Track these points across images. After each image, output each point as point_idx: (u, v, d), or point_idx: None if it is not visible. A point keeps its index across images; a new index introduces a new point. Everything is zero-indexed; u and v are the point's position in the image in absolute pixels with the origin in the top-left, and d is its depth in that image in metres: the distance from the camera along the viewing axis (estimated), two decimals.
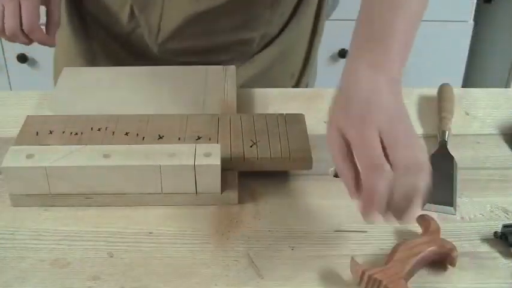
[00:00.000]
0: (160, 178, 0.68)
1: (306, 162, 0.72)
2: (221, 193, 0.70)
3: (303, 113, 0.79)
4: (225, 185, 0.70)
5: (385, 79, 0.58)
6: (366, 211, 0.56)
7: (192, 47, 0.95)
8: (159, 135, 0.75)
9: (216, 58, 0.96)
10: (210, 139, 0.74)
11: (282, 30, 0.98)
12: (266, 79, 0.99)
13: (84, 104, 0.84)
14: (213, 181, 0.69)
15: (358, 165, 0.57)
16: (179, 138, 0.74)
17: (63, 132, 0.75)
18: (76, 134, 0.75)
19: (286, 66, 1.01)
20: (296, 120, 0.77)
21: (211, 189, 0.70)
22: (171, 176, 0.68)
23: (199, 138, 0.74)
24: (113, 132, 0.75)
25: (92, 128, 0.76)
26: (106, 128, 0.76)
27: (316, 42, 1.03)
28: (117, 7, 0.94)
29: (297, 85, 1.04)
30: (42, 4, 0.86)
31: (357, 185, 0.57)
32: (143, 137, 0.74)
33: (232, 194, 0.70)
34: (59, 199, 0.69)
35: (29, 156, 0.68)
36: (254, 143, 0.73)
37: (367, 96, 0.57)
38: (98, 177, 0.68)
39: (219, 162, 0.68)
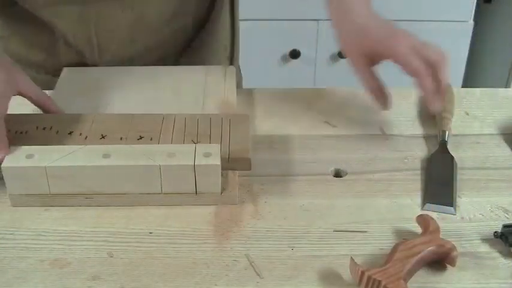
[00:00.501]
0: (160, 178, 0.68)
1: (244, 163, 0.72)
2: (221, 193, 0.70)
3: (248, 114, 0.79)
4: (225, 185, 0.71)
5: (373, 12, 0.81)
6: (433, 99, 0.76)
7: (134, 51, 0.96)
8: (102, 135, 0.75)
9: (158, 54, 0.98)
10: (151, 139, 0.74)
11: (210, 10, 1.01)
12: (204, 54, 1.01)
13: (83, 104, 0.84)
14: (213, 181, 0.69)
15: (412, 68, 0.75)
16: (121, 138, 0.74)
17: (9, 131, 0.74)
18: (21, 132, 0.75)
19: (219, 40, 1.03)
20: (240, 121, 0.77)
21: (211, 189, 0.70)
22: (171, 176, 0.68)
23: (141, 138, 0.74)
24: (57, 132, 0.75)
25: (37, 127, 0.76)
26: (51, 127, 0.76)
27: (236, 9, 1.05)
28: (47, 43, 0.93)
29: (231, 56, 1.07)
30: (13, 94, 0.74)
31: (381, 92, 0.80)
32: (86, 137, 0.74)
33: (232, 194, 0.70)
34: (58, 199, 0.69)
35: (29, 156, 0.68)
36: (194, 144, 0.73)
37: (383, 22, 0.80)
38: (97, 177, 0.68)
39: (219, 162, 0.68)
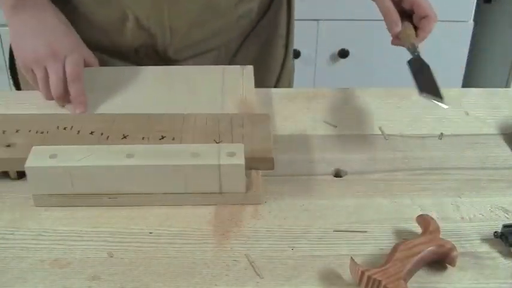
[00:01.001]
0: (184, 178, 0.68)
1: (267, 162, 0.72)
2: (246, 192, 0.70)
3: (268, 113, 0.79)
4: (249, 185, 0.70)
5: None
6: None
7: (202, 35, 0.96)
8: (123, 135, 0.74)
9: (222, 39, 0.99)
10: (173, 138, 0.74)
11: None
12: (263, 42, 1.04)
13: (100, 103, 0.83)
14: (237, 180, 0.69)
15: (428, 13, 0.82)
16: (143, 138, 0.74)
17: (29, 131, 0.75)
18: (42, 132, 0.75)
19: (278, 29, 1.06)
20: (261, 121, 0.77)
21: (236, 189, 0.69)
22: (196, 176, 0.68)
23: (163, 137, 0.74)
24: (78, 131, 0.75)
25: (57, 127, 0.76)
26: (71, 127, 0.76)
27: (293, 4, 1.07)
28: (117, 26, 0.93)
29: (287, 44, 1.09)
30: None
31: (393, 20, 0.84)
32: (107, 136, 0.74)
33: (257, 194, 0.70)
34: (82, 199, 0.69)
35: (52, 156, 0.68)
36: (216, 143, 0.73)
37: None
38: (121, 177, 0.68)
39: (243, 162, 0.68)
